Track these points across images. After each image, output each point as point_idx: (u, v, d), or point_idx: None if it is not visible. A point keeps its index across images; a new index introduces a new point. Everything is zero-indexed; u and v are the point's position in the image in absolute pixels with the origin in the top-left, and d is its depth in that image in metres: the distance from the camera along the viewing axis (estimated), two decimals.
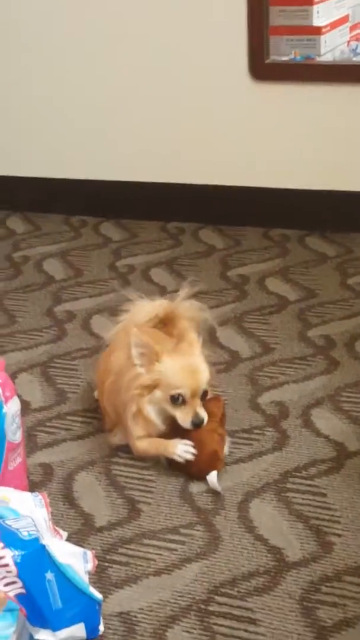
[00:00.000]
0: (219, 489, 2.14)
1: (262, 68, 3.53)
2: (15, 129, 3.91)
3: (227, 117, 3.60)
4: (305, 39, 3.63)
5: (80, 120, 3.80)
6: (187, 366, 2.19)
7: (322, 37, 3.61)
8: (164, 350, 2.19)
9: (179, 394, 2.17)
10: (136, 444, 2.24)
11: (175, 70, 3.60)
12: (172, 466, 2.21)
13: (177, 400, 2.17)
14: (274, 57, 3.56)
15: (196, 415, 2.17)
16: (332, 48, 3.70)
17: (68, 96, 3.79)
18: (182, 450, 2.18)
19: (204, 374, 2.20)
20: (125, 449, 2.32)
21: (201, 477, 2.17)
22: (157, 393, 2.19)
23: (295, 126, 3.54)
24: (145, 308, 2.39)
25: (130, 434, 2.25)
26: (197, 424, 2.17)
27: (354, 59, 3.76)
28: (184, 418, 2.18)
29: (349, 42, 3.88)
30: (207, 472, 2.15)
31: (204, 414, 2.18)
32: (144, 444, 2.24)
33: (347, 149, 3.51)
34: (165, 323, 2.39)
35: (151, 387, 2.19)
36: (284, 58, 3.60)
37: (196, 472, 2.18)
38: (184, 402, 2.17)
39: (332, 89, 3.50)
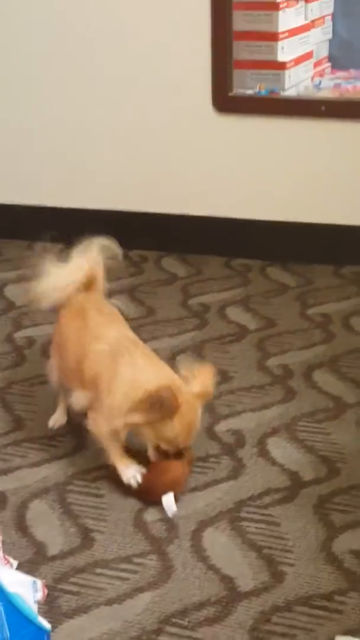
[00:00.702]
0: (174, 508, 2.13)
1: (226, 100, 3.56)
2: None
3: (190, 148, 3.63)
4: (270, 73, 3.67)
5: (42, 148, 3.80)
6: (187, 426, 2.14)
7: (287, 72, 3.66)
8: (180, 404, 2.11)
9: (167, 450, 2.17)
10: (101, 428, 2.20)
11: (137, 100, 3.63)
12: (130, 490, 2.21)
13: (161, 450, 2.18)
14: (239, 90, 3.60)
15: (160, 454, 2.19)
16: (296, 83, 3.75)
17: (31, 121, 3.80)
18: (131, 476, 2.18)
19: (196, 431, 2.19)
20: (80, 477, 2.31)
21: (157, 502, 2.16)
22: (147, 432, 2.16)
23: (259, 158, 3.58)
24: (65, 274, 2.40)
25: (100, 414, 2.20)
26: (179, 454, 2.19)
27: (318, 94, 3.82)
28: (153, 455, 2.20)
29: (312, 77, 3.94)
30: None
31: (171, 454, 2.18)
32: (105, 437, 2.21)
33: (309, 182, 3.54)
34: (87, 286, 2.42)
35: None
36: (249, 92, 3.64)
37: (153, 497, 2.17)
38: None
39: (296, 123, 3.54)
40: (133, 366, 2.16)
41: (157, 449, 2.19)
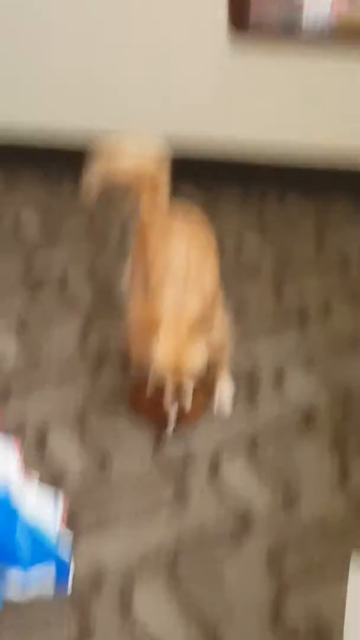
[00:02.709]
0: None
1: (244, 26, 3.51)
2: None
3: (205, 73, 3.58)
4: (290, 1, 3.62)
5: (59, 69, 3.74)
6: (171, 356, 2.13)
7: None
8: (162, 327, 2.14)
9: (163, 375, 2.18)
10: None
11: (153, 25, 3.57)
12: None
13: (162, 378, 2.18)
14: (257, 18, 3.55)
15: (175, 393, 2.19)
16: (315, 12, 3.70)
17: (40, 49, 3.72)
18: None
19: (191, 364, 2.14)
20: (100, 403, 2.35)
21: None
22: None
23: (275, 86, 3.53)
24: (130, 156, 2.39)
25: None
26: (180, 399, 2.20)
27: (329, 28, 3.77)
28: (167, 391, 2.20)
29: (332, 6, 3.87)
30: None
31: (187, 390, 2.20)
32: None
33: (327, 106, 3.51)
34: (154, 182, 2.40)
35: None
36: (265, 23, 3.60)
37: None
38: None
39: (316, 47, 3.50)
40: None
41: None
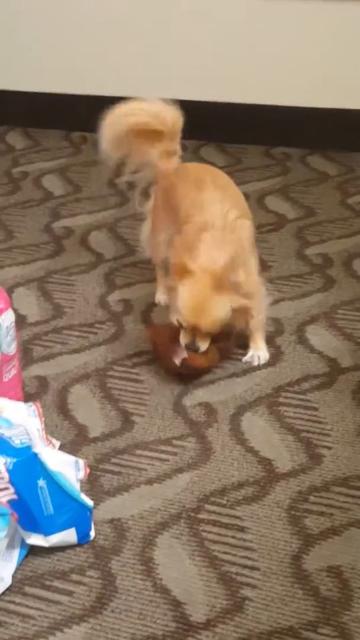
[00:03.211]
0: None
1: None
2: (14, 43, 3.84)
3: (230, 33, 3.53)
4: None
5: (80, 35, 3.72)
6: (195, 305, 2.14)
7: None
8: (190, 276, 2.13)
9: (180, 322, 2.18)
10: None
11: None
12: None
13: (180, 324, 2.18)
14: None
15: (192, 342, 2.18)
16: None
17: (69, 10, 3.71)
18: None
19: (209, 318, 2.14)
20: (120, 363, 2.34)
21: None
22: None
23: (300, 43, 3.47)
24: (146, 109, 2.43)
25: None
26: (193, 348, 2.18)
27: None
28: (182, 338, 2.20)
29: None
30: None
31: (200, 345, 2.18)
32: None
33: (351, 67, 3.44)
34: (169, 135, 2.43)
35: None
36: None
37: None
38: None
39: (338, 6, 3.42)
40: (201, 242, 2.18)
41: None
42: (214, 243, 2.16)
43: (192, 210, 2.26)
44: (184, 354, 2.19)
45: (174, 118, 2.42)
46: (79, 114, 3.78)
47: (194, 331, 2.17)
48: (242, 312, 2.22)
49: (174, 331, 2.21)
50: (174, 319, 2.19)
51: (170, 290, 2.26)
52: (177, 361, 2.20)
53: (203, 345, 2.18)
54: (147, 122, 2.42)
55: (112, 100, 3.71)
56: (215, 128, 3.66)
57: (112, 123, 2.45)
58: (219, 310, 2.15)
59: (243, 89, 3.58)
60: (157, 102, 2.44)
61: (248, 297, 2.20)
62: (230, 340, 2.30)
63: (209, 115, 3.65)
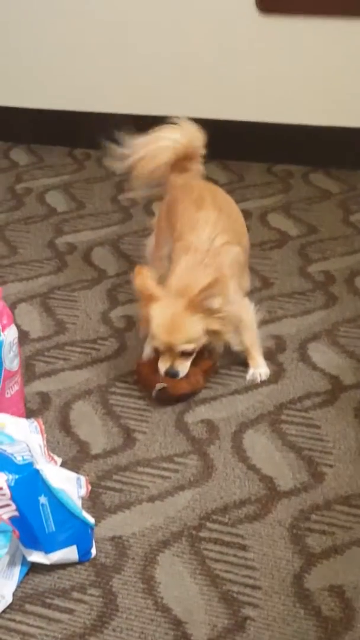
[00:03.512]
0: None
1: (270, 1, 3.46)
2: (19, 60, 3.86)
3: (233, 51, 3.54)
4: None
5: (83, 53, 3.75)
6: (167, 323, 2.15)
7: None
8: (159, 298, 2.16)
9: (156, 347, 2.19)
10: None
11: (181, 2, 3.54)
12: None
13: (156, 349, 2.19)
14: None
15: (170, 366, 2.18)
16: None
17: (73, 27, 3.73)
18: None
19: (181, 334, 2.14)
20: (122, 379, 2.34)
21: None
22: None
23: (303, 61, 3.49)
24: (163, 135, 2.43)
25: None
26: (172, 374, 2.18)
27: None
28: (160, 365, 2.20)
29: None
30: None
31: (179, 369, 2.17)
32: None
33: (355, 85, 3.46)
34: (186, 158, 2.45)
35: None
36: None
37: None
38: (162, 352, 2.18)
39: (342, 23, 3.44)
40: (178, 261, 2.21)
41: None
42: (192, 266, 2.18)
43: (185, 229, 2.28)
44: (163, 384, 2.19)
45: (200, 140, 2.44)
46: (82, 130, 3.80)
47: (171, 353, 2.16)
48: (217, 336, 2.21)
49: (156, 362, 2.21)
50: (147, 348, 2.20)
51: (141, 319, 2.24)
52: (154, 392, 2.20)
53: (182, 370, 2.18)
54: (183, 152, 2.44)
55: (116, 118, 3.74)
56: (218, 145, 3.65)
57: (148, 158, 2.43)
58: (191, 327, 2.15)
59: (245, 107, 3.60)
60: (185, 127, 2.44)
61: (224, 323, 2.18)
62: (213, 361, 2.30)
63: (211, 133, 3.64)
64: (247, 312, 2.30)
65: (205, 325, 2.14)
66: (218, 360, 2.32)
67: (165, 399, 2.22)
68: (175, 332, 2.14)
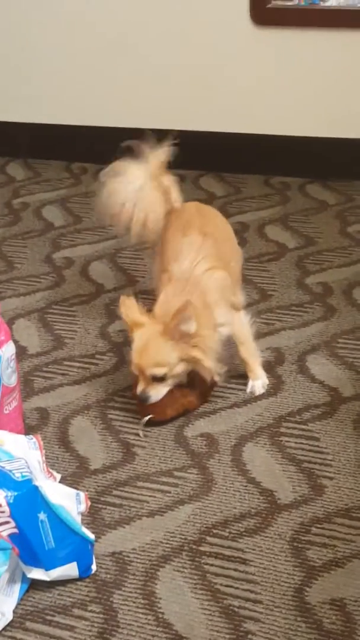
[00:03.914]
0: (141, 434, 2.19)
1: (265, 13, 3.48)
2: (15, 75, 3.87)
3: (227, 63, 3.56)
4: None
5: (79, 66, 3.76)
6: (140, 347, 2.16)
7: None
8: (142, 324, 2.17)
9: (132, 370, 2.20)
10: None
11: (174, 15, 3.55)
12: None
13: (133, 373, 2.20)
14: (279, 1, 3.51)
15: (143, 390, 2.17)
16: None
17: (69, 41, 3.74)
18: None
19: (150, 357, 2.14)
20: (121, 393, 2.33)
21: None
22: None
23: (298, 73, 3.50)
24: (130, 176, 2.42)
25: None
26: (143, 398, 2.18)
27: (359, 4, 3.70)
28: (138, 387, 2.19)
29: None
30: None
31: (151, 393, 2.16)
32: None
33: (350, 96, 3.47)
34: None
35: None
36: (289, 3, 3.55)
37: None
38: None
39: (336, 35, 3.45)
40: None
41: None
42: (173, 294, 2.18)
43: (170, 258, 2.28)
44: (148, 416, 2.19)
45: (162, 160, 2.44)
46: (79, 145, 3.81)
47: (144, 377, 2.16)
48: (196, 363, 2.19)
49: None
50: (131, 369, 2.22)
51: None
52: (140, 425, 2.20)
53: (154, 395, 2.16)
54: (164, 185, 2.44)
55: (112, 132, 3.74)
56: (215, 158, 3.68)
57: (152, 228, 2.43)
58: (161, 351, 2.14)
59: (241, 119, 3.61)
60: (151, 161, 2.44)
61: (202, 350, 2.16)
62: (209, 385, 2.28)
63: (208, 145, 3.67)
64: (240, 325, 2.30)
65: (181, 352, 2.13)
66: (212, 381, 2.27)
67: (157, 423, 2.21)
68: (144, 355, 2.14)
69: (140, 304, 2.22)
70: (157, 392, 2.17)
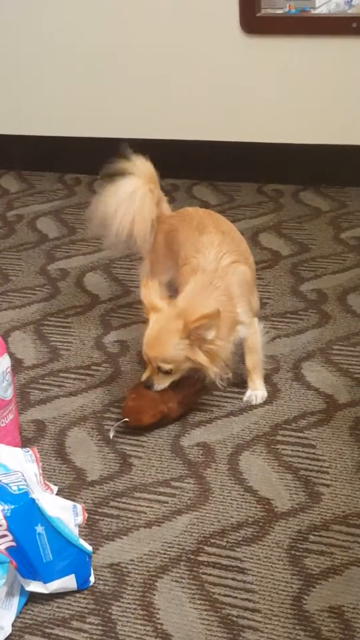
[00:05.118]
0: (110, 434, 2.21)
1: (254, 21, 3.49)
2: (7, 87, 3.88)
3: (218, 72, 3.57)
4: None
5: (73, 77, 3.77)
6: (153, 337, 2.17)
7: None
8: (160, 309, 2.18)
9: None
10: None
11: (164, 25, 3.57)
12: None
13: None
14: (269, 10, 3.53)
15: (148, 378, 2.19)
16: (326, 1, 3.65)
17: (62, 54, 3.76)
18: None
19: (160, 351, 2.15)
20: (117, 404, 2.34)
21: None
22: None
23: (289, 80, 3.51)
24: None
25: None
26: (147, 385, 2.19)
27: (349, 11, 3.72)
28: (144, 374, 2.22)
29: None
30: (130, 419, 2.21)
31: (156, 383, 2.18)
32: None
33: (341, 103, 3.48)
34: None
35: None
36: (279, 11, 3.56)
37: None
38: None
39: (327, 42, 3.46)
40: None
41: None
42: (200, 286, 2.19)
43: (191, 252, 2.29)
44: (124, 420, 2.21)
45: (152, 171, 2.45)
46: (72, 156, 3.82)
47: (152, 366, 2.18)
48: (200, 368, 2.20)
49: (136, 393, 2.23)
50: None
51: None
52: (112, 429, 2.22)
53: (158, 385, 2.19)
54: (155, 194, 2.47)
55: (105, 142, 3.75)
56: (208, 166, 3.69)
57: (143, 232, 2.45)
58: (171, 349, 2.15)
59: (234, 128, 3.62)
60: (140, 168, 2.46)
61: (211, 358, 2.17)
62: (194, 391, 2.28)
63: (201, 154, 3.68)
64: (254, 331, 2.31)
65: (191, 353, 2.14)
66: (203, 386, 2.29)
67: (134, 427, 2.22)
68: (155, 347, 2.16)
69: (163, 288, 2.24)
70: (161, 383, 2.19)
